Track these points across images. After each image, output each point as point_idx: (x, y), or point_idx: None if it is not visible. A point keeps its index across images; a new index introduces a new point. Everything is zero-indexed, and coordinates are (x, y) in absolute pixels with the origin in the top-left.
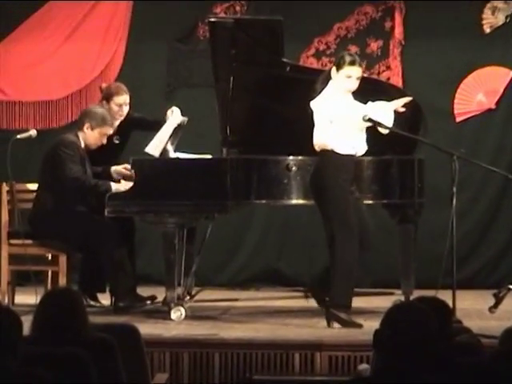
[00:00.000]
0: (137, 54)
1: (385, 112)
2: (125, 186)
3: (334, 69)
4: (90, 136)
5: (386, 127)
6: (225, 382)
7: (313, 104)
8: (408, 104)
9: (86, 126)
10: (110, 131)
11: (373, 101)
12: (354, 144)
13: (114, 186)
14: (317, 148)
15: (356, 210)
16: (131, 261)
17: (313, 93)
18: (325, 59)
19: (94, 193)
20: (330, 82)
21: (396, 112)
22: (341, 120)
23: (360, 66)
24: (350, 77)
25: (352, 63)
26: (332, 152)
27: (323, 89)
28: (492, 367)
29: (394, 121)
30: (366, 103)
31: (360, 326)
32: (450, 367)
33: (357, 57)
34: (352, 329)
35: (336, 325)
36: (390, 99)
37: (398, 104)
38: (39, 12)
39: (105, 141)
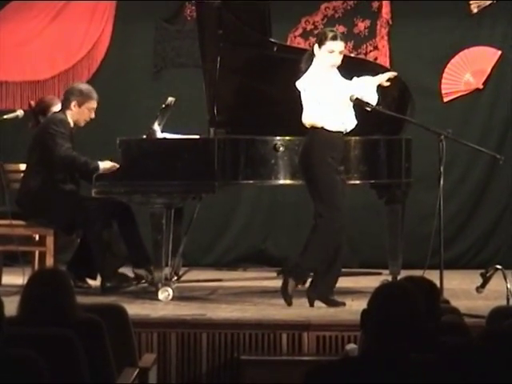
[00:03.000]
0: (124, 34)
1: (370, 87)
2: (112, 165)
3: (316, 46)
4: (78, 113)
5: (374, 107)
6: (212, 362)
7: (299, 84)
8: (395, 83)
9: (73, 103)
10: (95, 105)
11: (358, 76)
12: (343, 120)
13: (102, 165)
14: (306, 125)
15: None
16: (135, 238)
17: (298, 73)
18: (312, 39)
19: (83, 171)
20: (314, 60)
21: (381, 86)
22: (328, 97)
23: (342, 40)
24: (332, 51)
25: (334, 38)
26: (322, 129)
27: (308, 68)
28: (479, 347)
29: (382, 100)
30: (351, 79)
31: (343, 304)
32: (437, 347)
33: (338, 32)
34: (338, 308)
35: (318, 304)
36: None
37: (383, 78)
38: None
39: (93, 115)
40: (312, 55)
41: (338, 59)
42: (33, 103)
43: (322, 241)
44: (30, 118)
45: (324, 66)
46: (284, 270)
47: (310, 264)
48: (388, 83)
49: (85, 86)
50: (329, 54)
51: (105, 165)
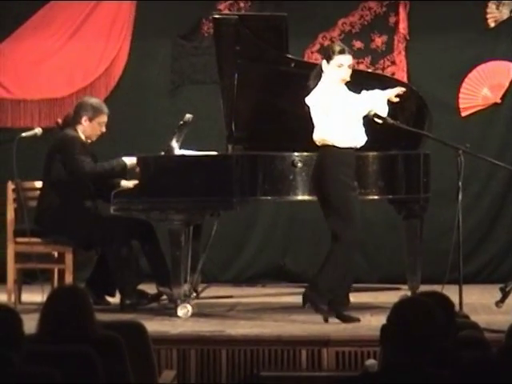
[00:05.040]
0: (141, 51)
1: (380, 101)
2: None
3: (324, 62)
4: (89, 128)
5: (392, 122)
6: (232, 379)
7: (308, 100)
8: (412, 98)
9: (84, 118)
10: (106, 119)
11: (367, 90)
12: (353, 135)
13: (129, 161)
14: (317, 143)
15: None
16: (158, 257)
17: (307, 89)
18: None
19: (113, 175)
20: (323, 76)
21: (390, 101)
22: (338, 112)
23: (349, 53)
24: (341, 65)
25: (341, 52)
26: (333, 146)
27: (316, 84)
28: (499, 361)
29: (400, 115)
30: (360, 93)
31: (358, 319)
32: (457, 362)
33: (345, 46)
34: (357, 324)
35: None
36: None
37: (392, 93)
38: (43, 10)
39: (104, 129)
40: (320, 71)
41: (347, 73)
42: (60, 121)
43: (339, 260)
44: (58, 135)
45: (333, 81)
46: (306, 298)
47: (326, 284)
48: (397, 99)
49: (95, 101)
50: (338, 69)
51: (132, 160)
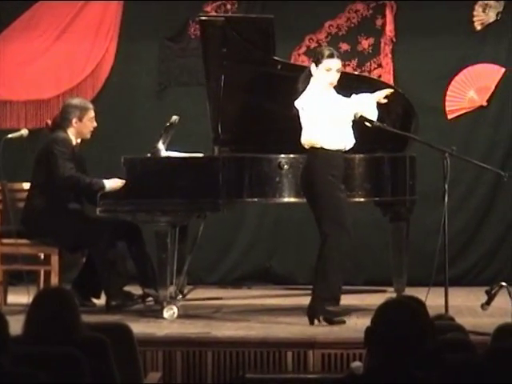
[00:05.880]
0: (128, 53)
1: (369, 104)
2: (118, 183)
3: (313, 65)
4: (82, 127)
5: (378, 125)
6: (218, 381)
7: (297, 103)
8: (398, 101)
9: (74, 120)
10: (93, 113)
11: (356, 93)
12: (342, 138)
13: (108, 184)
14: (306, 146)
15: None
16: (144, 259)
17: (295, 92)
18: None
19: (88, 191)
20: (312, 80)
21: (379, 103)
22: (327, 116)
23: (338, 58)
24: (329, 69)
25: (330, 56)
26: (321, 149)
27: (305, 87)
28: (485, 364)
29: (386, 117)
30: (349, 96)
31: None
32: (442, 364)
33: (334, 50)
34: (343, 325)
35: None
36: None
37: (381, 95)
38: (30, 11)
39: (95, 124)
40: (309, 75)
41: (335, 77)
42: (49, 122)
43: (334, 262)
44: (48, 137)
45: (322, 85)
46: (311, 313)
47: (330, 291)
48: (385, 100)
49: (78, 100)
50: (326, 73)
51: (111, 184)
